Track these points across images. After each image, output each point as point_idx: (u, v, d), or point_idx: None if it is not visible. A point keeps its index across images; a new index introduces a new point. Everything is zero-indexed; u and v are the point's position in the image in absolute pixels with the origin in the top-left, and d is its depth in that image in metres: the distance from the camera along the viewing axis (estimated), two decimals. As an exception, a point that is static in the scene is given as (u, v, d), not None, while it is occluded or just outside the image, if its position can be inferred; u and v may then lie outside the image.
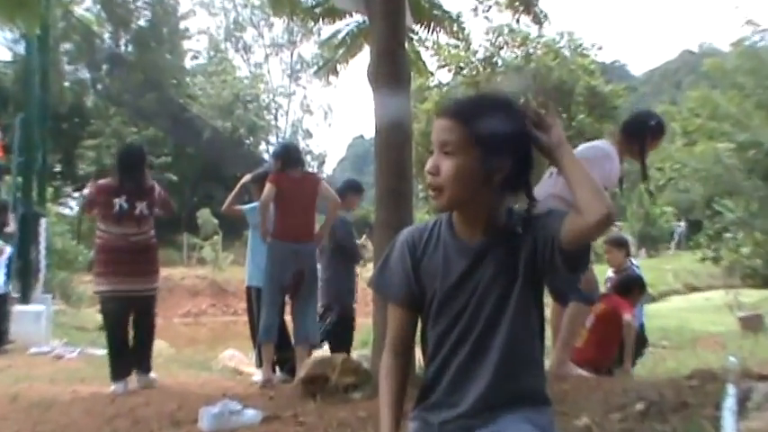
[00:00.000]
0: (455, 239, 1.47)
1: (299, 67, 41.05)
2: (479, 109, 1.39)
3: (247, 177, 5.64)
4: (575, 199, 1.33)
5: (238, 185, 5.71)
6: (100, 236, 4.83)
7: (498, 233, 1.42)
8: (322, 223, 5.29)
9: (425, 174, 1.40)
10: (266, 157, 37.68)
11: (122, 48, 32.59)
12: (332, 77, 7.65)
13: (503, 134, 1.35)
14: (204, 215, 25.59)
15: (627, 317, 4.65)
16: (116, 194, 4.79)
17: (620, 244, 6.36)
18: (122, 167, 4.89)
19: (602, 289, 5.05)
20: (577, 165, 1.37)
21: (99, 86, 29.00)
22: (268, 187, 4.87)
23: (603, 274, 6.12)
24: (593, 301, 4.15)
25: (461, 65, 21.05)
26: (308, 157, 41.72)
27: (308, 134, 42.23)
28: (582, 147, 4.11)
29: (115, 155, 4.94)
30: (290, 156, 5.10)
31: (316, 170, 42.94)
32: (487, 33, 21.00)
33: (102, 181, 4.93)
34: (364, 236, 7.67)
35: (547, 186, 3.82)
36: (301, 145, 41.58)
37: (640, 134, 3.82)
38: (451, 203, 1.41)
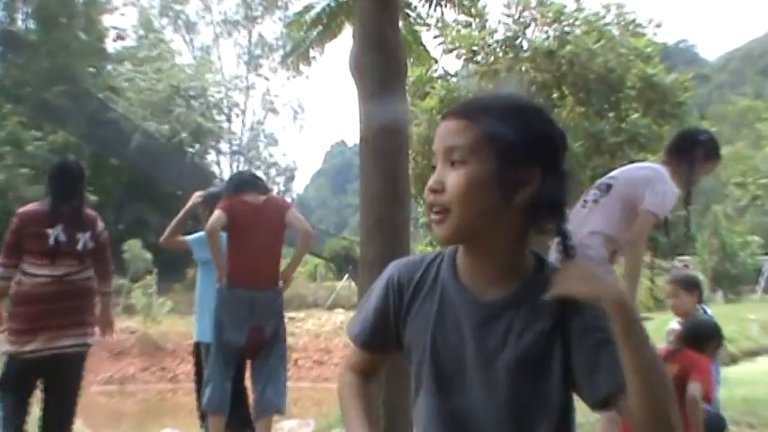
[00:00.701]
0: (458, 287, 1.50)
1: (259, 52, 41.70)
2: (494, 104, 1.43)
3: (196, 197, 5.75)
4: (631, 404, 1.32)
5: (184, 209, 5.80)
6: (21, 281, 4.71)
7: (523, 286, 1.44)
8: (289, 261, 5.41)
9: (426, 192, 1.43)
10: (217, 170, 38.59)
11: (20, 24, 32.38)
12: (303, 67, 7.78)
13: (527, 133, 1.39)
14: (133, 248, 25.42)
15: (693, 387, 4.54)
16: (49, 224, 4.73)
17: (691, 286, 6.10)
18: (57, 189, 4.83)
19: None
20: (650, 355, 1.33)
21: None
22: (216, 215, 5.01)
23: (665, 323, 6.14)
24: None
25: (474, 49, 21.00)
26: (273, 171, 42.28)
27: (273, 140, 43.18)
28: (628, 167, 4.24)
29: (48, 173, 4.87)
30: (244, 178, 5.31)
31: (282, 189, 43.57)
32: (509, 7, 20.93)
33: (27, 207, 4.86)
34: (346, 276, 7.70)
35: (582, 218, 3.93)
36: (263, 154, 42.28)
37: (688, 154, 4.01)
38: (460, 231, 1.41)
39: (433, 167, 1.44)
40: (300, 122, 55.18)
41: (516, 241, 1.44)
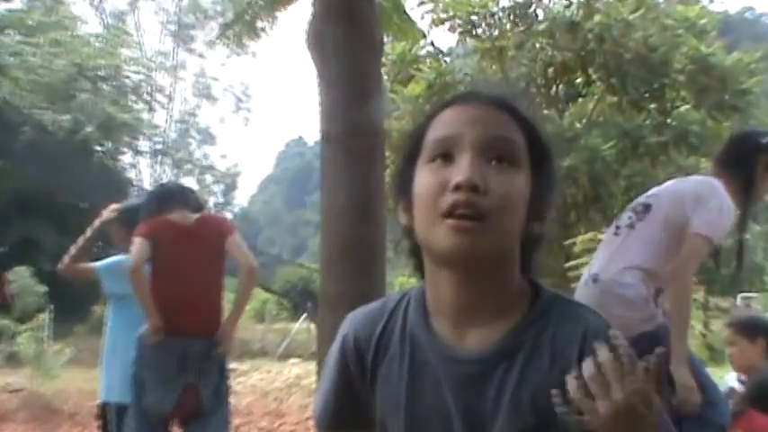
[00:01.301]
0: (431, 337, 1.56)
1: (190, 20, 41.60)
2: (521, 97, 1.58)
3: (109, 212, 5.78)
4: None
5: (91, 227, 5.82)
6: None
7: (519, 328, 1.52)
8: (231, 310, 5.45)
9: (456, 183, 1.46)
10: (134, 176, 38.14)
11: None
12: (248, 41, 7.76)
13: (548, 140, 1.55)
14: (21, 277, 25.13)
15: None
16: None
17: (755, 331, 5.96)
18: None
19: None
20: None
21: None
22: (138, 245, 5.07)
23: (721, 379, 6.15)
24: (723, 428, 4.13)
25: (474, 19, 20.76)
26: (208, 178, 42.09)
27: (208, 137, 43.24)
28: (671, 182, 4.24)
29: None
30: (169, 191, 5.48)
31: (220, 202, 43.54)
32: (519, -35, 20.91)
33: None
34: (303, 316, 7.70)
35: (615, 249, 3.95)
36: (196, 154, 42.15)
37: (746, 162, 4.02)
38: (495, 248, 1.47)
39: (443, 157, 1.50)
40: (245, 114, 53.94)
41: (516, 273, 1.55)
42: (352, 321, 1.66)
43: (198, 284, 5.22)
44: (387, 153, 7.29)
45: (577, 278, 7.33)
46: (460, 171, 1.44)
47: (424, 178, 1.51)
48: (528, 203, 1.49)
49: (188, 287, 5.17)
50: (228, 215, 44.34)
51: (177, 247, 5.15)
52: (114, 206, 5.81)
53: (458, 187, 1.43)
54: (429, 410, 1.51)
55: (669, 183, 4.12)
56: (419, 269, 1.63)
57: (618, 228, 4.04)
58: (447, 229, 1.43)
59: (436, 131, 1.53)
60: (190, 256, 5.18)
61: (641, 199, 4.25)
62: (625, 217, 4.17)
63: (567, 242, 12.05)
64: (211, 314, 5.28)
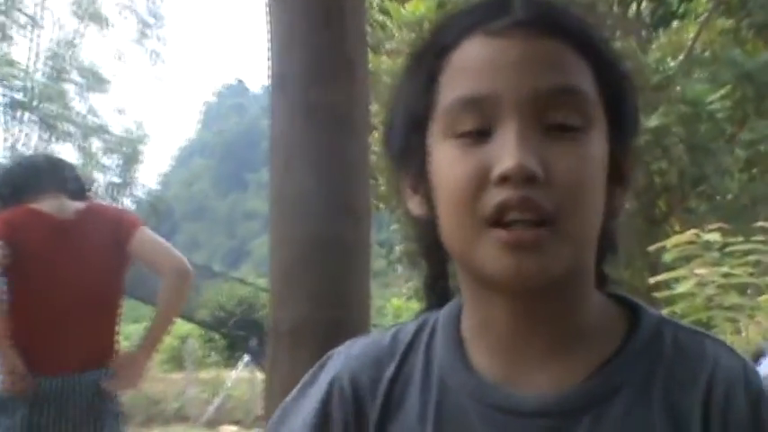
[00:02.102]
0: (476, 383, 1.54)
1: None
2: (585, 20, 1.53)
3: None
4: None
5: None
6: None
7: (611, 367, 1.50)
8: (143, 335, 5.59)
9: (502, 174, 1.38)
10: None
11: None
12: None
13: (632, 86, 1.55)
14: None
15: None
16: None
17: None
18: None
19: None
20: None
21: None
22: None
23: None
24: None
25: None
26: (96, 146, 42.34)
27: (98, 81, 42.58)
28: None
29: None
30: (35, 167, 5.62)
31: (114, 184, 43.36)
32: None
33: None
34: (244, 359, 7.64)
35: None
36: (77, 109, 42.07)
37: None
38: (573, 262, 1.45)
39: (470, 134, 1.44)
40: (154, 45, 51.97)
41: (592, 280, 1.55)
42: (347, 359, 1.65)
43: (79, 304, 5.25)
44: (374, 107, 7.11)
45: (667, 300, 7.20)
46: (506, 153, 1.38)
47: (448, 163, 1.46)
48: (608, 176, 1.47)
49: (64, 308, 5.20)
50: (128, 203, 44.28)
51: (48, 250, 5.22)
52: None
53: (504, 179, 1.37)
54: None
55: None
56: (439, 284, 1.66)
57: None
58: (497, 246, 1.39)
59: (456, 86, 1.46)
60: (66, 264, 5.23)
61: None
62: None
63: (653, 247, 11.12)
64: (98, 343, 5.39)
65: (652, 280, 10.17)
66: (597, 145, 1.43)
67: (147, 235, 5.35)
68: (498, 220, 1.37)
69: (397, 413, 1.56)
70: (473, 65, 1.45)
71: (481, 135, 1.41)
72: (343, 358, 1.65)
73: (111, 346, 5.43)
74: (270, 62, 4.44)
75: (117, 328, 5.52)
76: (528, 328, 1.49)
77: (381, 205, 15.92)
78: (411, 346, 1.61)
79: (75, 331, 5.23)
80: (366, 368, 1.60)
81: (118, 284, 5.47)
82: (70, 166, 5.96)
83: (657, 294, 9.51)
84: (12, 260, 5.10)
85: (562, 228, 1.37)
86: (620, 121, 1.49)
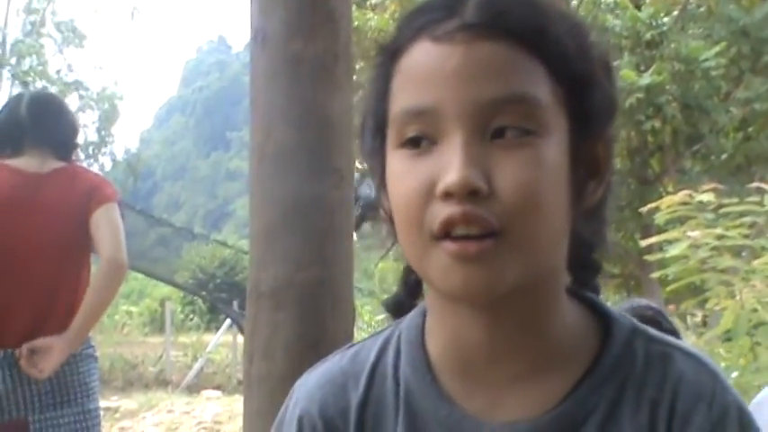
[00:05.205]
0: (448, 411, 1.54)
1: None
2: (548, 14, 1.48)
3: None
4: None
5: None
6: None
7: (585, 386, 1.51)
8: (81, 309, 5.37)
9: (445, 190, 1.39)
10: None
11: None
12: None
13: (608, 77, 1.53)
14: None
15: None
16: None
17: None
18: None
19: None
20: None
21: None
22: None
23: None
24: None
25: None
26: (73, 101, 42.14)
27: (74, 35, 42.31)
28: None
29: None
30: (20, 124, 5.45)
31: (90, 143, 43.09)
32: None
33: None
34: (226, 323, 7.59)
35: None
36: (53, 63, 41.96)
37: None
38: (528, 271, 1.43)
39: (414, 141, 1.45)
40: (134, 1, 53.48)
41: (563, 290, 1.56)
42: (308, 393, 1.65)
43: (42, 267, 5.22)
44: (358, 65, 7.04)
45: (660, 263, 7.18)
46: (449, 167, 1.39)
47: (397, 176, 1.48)
48: (571, 178, 1.46)
49: (23, 270, 5.18)
50: (106, 162, 44.05)
51: (12, 203, 5.19)
52: None
53: (448, 194, 1.38)
54: None
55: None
56: (413, 276, 1.65)
57: None
58: (446, 258, 1.40)
59: (402, 95, 1.48)
60: (30, 222, 5.20)
61: None
62: None
63: (646, 208, 10.90)
64: (63, 314, 5.24)
65: (644, 242, 10.29)
66: (552, 149, 1.42)
67: (106, 214, 5.27)
68: (446, 234, 1.38)
69: None
70: (416, 73, 1.46)
71: (429, 145, 1.42)
72: (306, 391, 1.65)
73: (75, 304, 5.31)
74: (251, 17, 4.43)
75: (74, 295, 5.38)
76: (496, 345, 1.50)
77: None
78: (376, 368, 1.61)
79: (33, 290, 5.24)
80: (331, 397, 1.61)
81: (83, 244, 5.38)
82: (59, 109, 5.91)
83: (649, 257, 9.57)
84: None
85: (510, 239, 1.38)
86: (588, 113, 1.48)
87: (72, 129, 5.92)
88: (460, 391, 1.52)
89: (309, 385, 1.65)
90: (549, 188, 1.40)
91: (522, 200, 1.37)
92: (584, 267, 1.63)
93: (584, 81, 1.48)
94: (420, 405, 1.54)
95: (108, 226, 5.20)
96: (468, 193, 1.36)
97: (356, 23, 15.13)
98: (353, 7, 15.22)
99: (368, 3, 18.29)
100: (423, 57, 1.46)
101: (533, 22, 1.44)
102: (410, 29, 1.50)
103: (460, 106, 1.39)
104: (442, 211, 1.37)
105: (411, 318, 1.63)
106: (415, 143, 1.44)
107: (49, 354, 5.17)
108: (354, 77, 4.83)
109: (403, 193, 1.44)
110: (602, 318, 1.57)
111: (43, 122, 5.45)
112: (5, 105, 5.57)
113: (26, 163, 5.32)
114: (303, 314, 4.01)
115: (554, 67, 1.43)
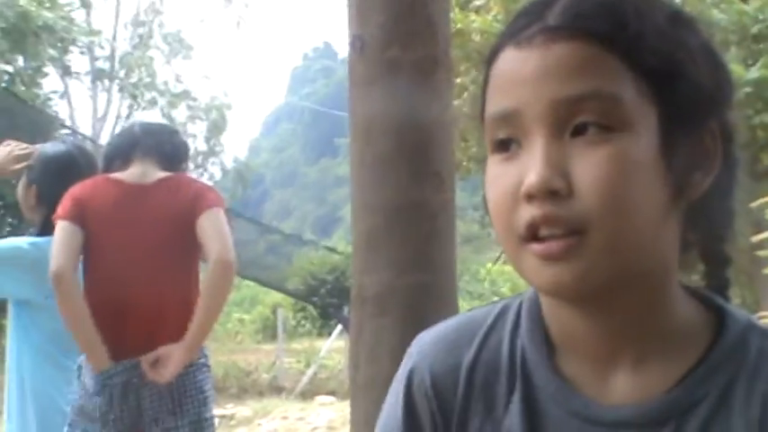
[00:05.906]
0: (560, 387, 1.54)
1: None
2: (639, 8, 1.47)
3: (15, 156, 5.75)
4: None
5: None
6: None
7: (696, 376, 1.49)
8: (193, 324, 5.37)
9: (526, 192, 1.41)
10: (66, 111, 37.75)
11: None
12: None
13: (712, 65, 1.49)
14: None
15: None
16: None
17: None
18: None
19: None
20: None
21: None
22: (59, 232, 5.07)
23: None
24: None
25: None
26: (182, 111, 42.49)
27: (182, 47, 42.65)
28: None
29: None
30: (128, 139, 5.55)
31: (200, 152, 43.12)
32: None
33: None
34: (338, 328, 7.59)
35: None
36: (162, 75, 42.13)
37: None
38: (612, 274, 1.42)
39: (502, 144, 1.47)
40: (239, 11, 53.38)
41: (674, 283, 1.52)
42: (420, 348, 1.66)
43: (152, 276, 5.25)
44: (462, 67, 6.98)
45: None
46: (530, 169, 1.40)
47: (489, 180, 1.50)
48: (667, 172, 1.43)
49: (134, 280, 5.21)
50: (216, 171, 44.07)
51: (117, 215, 5.19)
52: (23, 149, 5.79)
53: (530, 196, 1.39)
54: None
55: None
56: None
57: None
58: (534, 259, 1.42)
59: (491, 101, 1.50)
60: (137, 232, 5.22)
61: None
62: None
63: (756, 203, 10.42)
64: (179, 321, 5.23)
65: (755, 238, 9.99)
66: (636, 144, 1.40)
67: (211, 217, 5.24)
68: (533, 236, 1.40)
69: (480, 401, 1.58)
70: (501, 79, 1.48)
71: (517, 149, 1.44)
72: (420, 346, 1.66)
73: (188, 314, 5.25)
74: (348, 24, 4.45)
75: (185, 304, 5.36)
76: (601, 336, 1.50)
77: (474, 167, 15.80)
78: (491, 331, 1.62)
79: (146, 301, 5.26)
80: (443, 355, 1.61)
81: (193, 254, 5.42)
82: (170, 132, 5.98)
83: (760, 253, 9.35)
84: (85, 238, 5.15)
85: (594, 237, 1.38)
86: (680, 105, 1.44)
87: (181, 143, 5.97)
88: (572, 369, 1.53)
89: (424, 341, 1.67)
90: (633, 184, 1.39)
91: (602, 198, 1.37)
92: (710, 259, 1.60)
93: (671, 73, 1.45)
94: (535, 375, 1.54)
95: (213, 228, 5.20)
96: (549, 194, 1.37)
97: (459, 26, 15.04)
98: (456, 9, 15.17)
99: (471, 5, 18.12)
100: (506, 63, 1.48)
101: (611, 20, 1.43)
102: (501, 37, 1.52)
103: (539, 106, 1.41)
104: (526, 214, 1.39)
105: (531, 291, 1.63)
106: (504, 147, 1.45)
107: (170, 361, 5.22)
108: (458, 80, 4.80)
109: (493, 197, 1.46)
110: (717, 312, 1.55)
111: (153, 135, 5.56)
112: (123, 129, 5.68)
113: (131, 175, 5.34)
114: (407, 319, 3.99)
115: (635, 62, 1.42)
